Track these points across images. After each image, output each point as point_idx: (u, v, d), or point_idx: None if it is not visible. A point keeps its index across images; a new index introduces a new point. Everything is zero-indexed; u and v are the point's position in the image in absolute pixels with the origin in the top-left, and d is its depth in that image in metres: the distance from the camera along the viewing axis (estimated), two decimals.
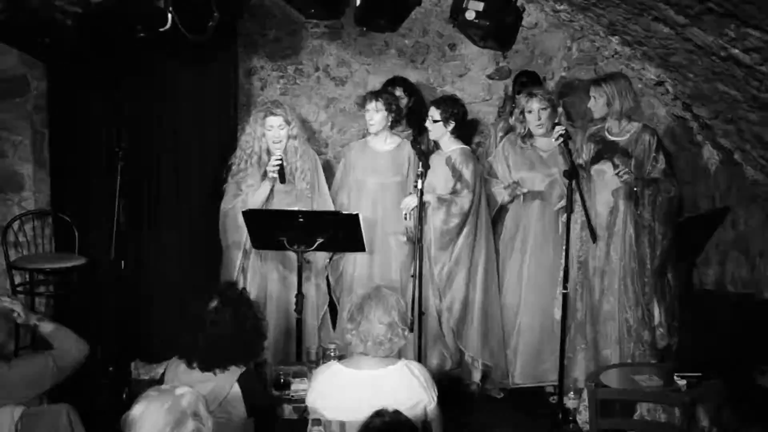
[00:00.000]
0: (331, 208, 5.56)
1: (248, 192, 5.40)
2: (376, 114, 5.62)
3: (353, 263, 5.75)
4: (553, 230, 5.56)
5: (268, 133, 5.37)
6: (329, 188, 5.76)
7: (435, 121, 5.60)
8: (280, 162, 5.23)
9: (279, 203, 5.41)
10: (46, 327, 3.83)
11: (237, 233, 5.39)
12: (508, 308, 5.70)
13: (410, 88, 6.22)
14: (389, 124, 5.70)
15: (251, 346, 3.69)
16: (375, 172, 5.73)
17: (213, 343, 3.54)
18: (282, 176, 5.25)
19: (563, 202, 5.35)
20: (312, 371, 4.20)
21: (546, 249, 5.58)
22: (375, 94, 5.67)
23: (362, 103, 5.77)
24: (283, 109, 5.45)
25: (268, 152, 5.40)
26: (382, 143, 5.76)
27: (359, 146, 5.88)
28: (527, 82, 6.10)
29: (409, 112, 6.17)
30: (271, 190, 5.39)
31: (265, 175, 5.35)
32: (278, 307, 5.49)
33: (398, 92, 6.08)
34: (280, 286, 5.52)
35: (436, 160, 5.61)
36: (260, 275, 5.51)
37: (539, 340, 5.62)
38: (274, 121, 5.37)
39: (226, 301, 3.61)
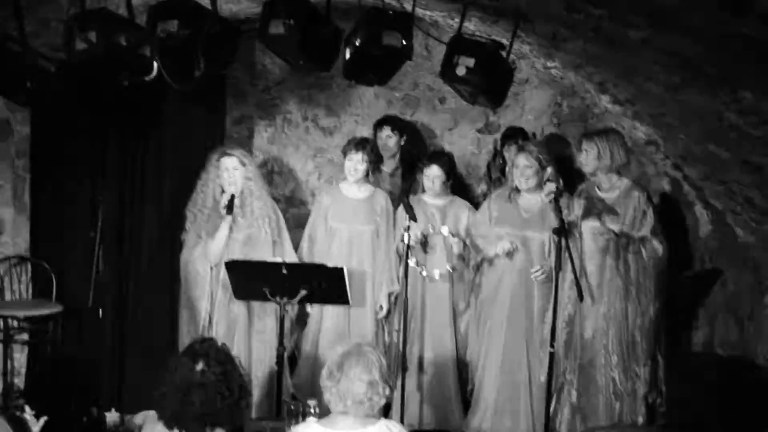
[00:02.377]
0: (294, 259, 5.47)
1: (207, 240, 5.30)
2: (361, 165, 5.59)
3: (320, 313, 5.65)
4: (528, 291, 5.46)
5: (224, 175, 5.29)
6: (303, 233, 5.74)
7: (444, 182, 5.64)
8: (231, 195, 5.18)
9: (238, 251, 5.31)
10: None
11: (201, 282, 5.29)
12: (483, 366, 5.59)
13: (400, 127, 6.20)
14: (367, 174, 5.68)
15: (238, 408, 3.56)
16: (348, 220, 5.67)
17: (199, 408, 3.41)
18: (230, 208, 5.16)
19: (538, 268, 5.31)
20: (290, 427, 4.08)
21: (521, 310, 5.45)
22: (361, 146, 5.62)
23: (346, 150, 5.70)
24: (238, 151, 5.43)
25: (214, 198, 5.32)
26: (356, 191, 5.71)
27: (332, 192, 5.81)
28: (512, 137, 6.08)
29: (401, 151, 6.15)
30: (231, 236, 5.30)
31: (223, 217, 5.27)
32: (247, 358, 5.37)
33: (386, 132, 6.06)
34: (246, 335, 5.41)
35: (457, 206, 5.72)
36: (226, 324, 5.37)
37: (515, 400, 5.48)
38: (229, 162, 5.30)
39: (212, 362, 3.48)
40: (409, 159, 6.19)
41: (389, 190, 5.98)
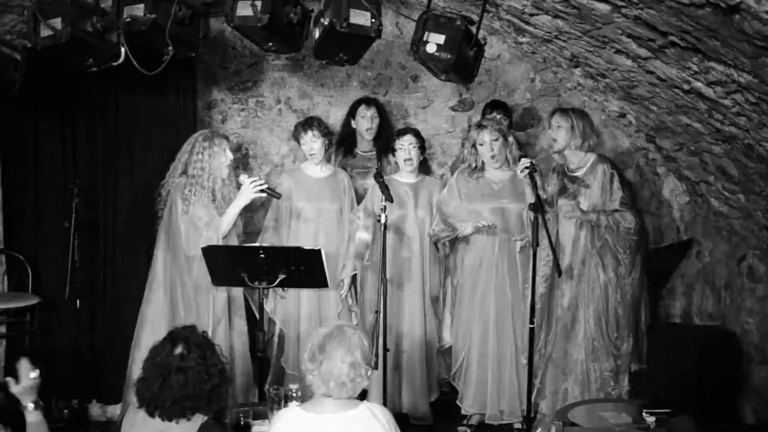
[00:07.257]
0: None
1: (210, 225, 5.15)
2: (315, 143, 5.62)
3: (296, 296, 5.64)
4: (511, 264, 5.48)
5: (221, 158, 5.21)
6: (264, 217, 5.80)
7: (419, 148, 5.65)
8: (262, 182, 5.13)
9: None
10: (34, 416, 3.60)
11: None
12: (469, 346, 5.59)
13: (381, 109, 6.25)
14: (326, 149, 5.72)
15: (218, 393, 3.54)
16: (312, 200, 5.69)
17: (178, 392, 3.39)
18: (273, 190, 5.18)
19: (522, 240, 5.32)
20: (273, 412, 4.08)
21: (505, 284, 5.47)
22: (309, 124, 5.64)
23: (296, 134, 5.71)
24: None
25: (222, 181, 5.26)
26: (318, 171, 5.75)
27: (294, 174, 5.83)
28: (493, 111, 6.07)
29: (376, 134, 6.18)
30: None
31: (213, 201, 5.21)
32: (234, 344, 5.37)
33: (372, 111, 6.07)
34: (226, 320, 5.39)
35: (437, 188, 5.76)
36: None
37: (498, 375, 5.51)
38: (227, 145, 5.28)
39: (192, 346, 3.46)
40: (382, 144, 6.20)
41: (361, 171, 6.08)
